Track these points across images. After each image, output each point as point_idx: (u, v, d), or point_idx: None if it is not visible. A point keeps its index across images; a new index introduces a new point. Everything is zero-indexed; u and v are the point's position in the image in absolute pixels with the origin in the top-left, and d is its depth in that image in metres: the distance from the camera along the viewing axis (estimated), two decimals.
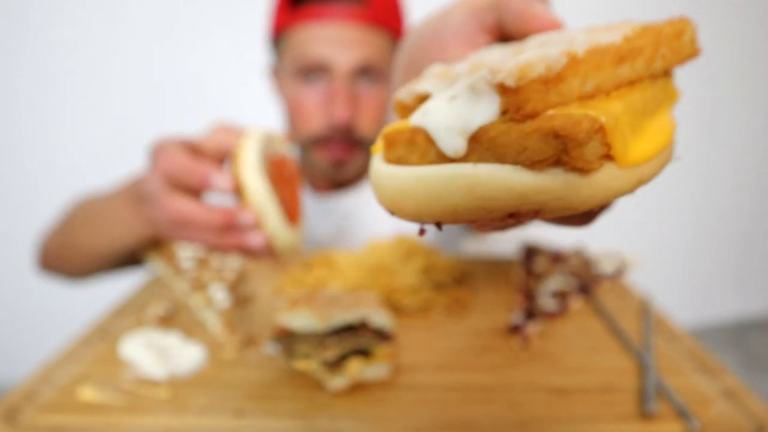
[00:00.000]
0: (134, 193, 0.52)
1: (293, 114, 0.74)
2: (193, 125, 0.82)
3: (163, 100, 1.48)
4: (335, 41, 0.69)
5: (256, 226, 0.42)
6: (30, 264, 1.53)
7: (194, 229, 0.42)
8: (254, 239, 0.42)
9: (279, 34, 0.75)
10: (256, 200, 0.40)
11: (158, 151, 0.45)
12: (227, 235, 0.42)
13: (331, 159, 0.73)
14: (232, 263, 0.63)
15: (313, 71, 0.71)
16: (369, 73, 0.71)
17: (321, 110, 0.71)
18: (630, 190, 0.17)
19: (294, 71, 0.72)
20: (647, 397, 0.37)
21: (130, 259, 0.62)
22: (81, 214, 0.64)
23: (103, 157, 1.45)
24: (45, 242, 0.70)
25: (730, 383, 0.39)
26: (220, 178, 0.41)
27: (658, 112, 0.20)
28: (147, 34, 1.43)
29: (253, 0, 1.46)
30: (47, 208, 1.48)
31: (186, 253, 0.64)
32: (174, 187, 0.43)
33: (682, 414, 0.35)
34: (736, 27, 1.83)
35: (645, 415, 0.36)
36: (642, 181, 0.18)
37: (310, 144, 0.74)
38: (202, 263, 0.62)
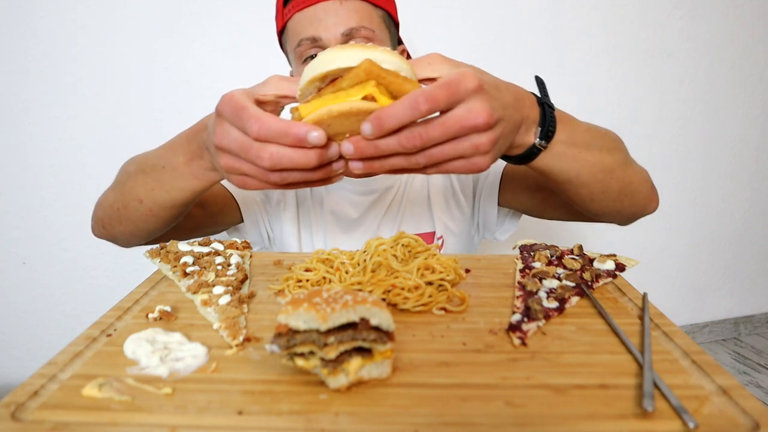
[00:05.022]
0: (197, 144, 0.57)
1: None
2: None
3: (164, 101, 1.48)
4: (321, 19, 0.77)
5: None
6: (29, 262, 1.53)
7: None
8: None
9: (281, 36, 0.84)
10: None
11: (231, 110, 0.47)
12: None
13: None
14: (234, 262, 0.63)
15: (309, 51, 0.79)
16: (358, 38, 0.78)
17: None
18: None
19: (296, 59, 0.81)
20: (645, 395, 0.37)
21: (188, 208, 0.68)
22: (136, 171, 0.66)
23: (103, 156, 1.46)
24: (100, 205, 0.72)
25: (726, 382, 0.40)
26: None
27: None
28: (148, 34, 1.43)
29: (253, 1, 1.46)
30: (48, 208, 1.49)
31: (188, 253, 0.65)
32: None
33: (679, 412, 0.36)
34: (734, 30, 1.84)
35: (642, 413, 0.36)
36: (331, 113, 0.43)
37: None
38: (204, 263, 0.62)
